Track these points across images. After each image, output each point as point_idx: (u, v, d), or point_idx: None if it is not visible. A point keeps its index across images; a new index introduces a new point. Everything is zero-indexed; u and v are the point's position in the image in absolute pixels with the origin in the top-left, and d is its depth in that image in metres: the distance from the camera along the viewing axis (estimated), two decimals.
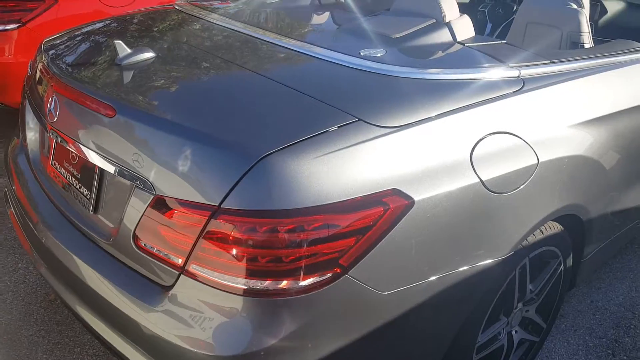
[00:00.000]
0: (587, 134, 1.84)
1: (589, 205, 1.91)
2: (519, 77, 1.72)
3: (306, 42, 1.88)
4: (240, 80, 1.63)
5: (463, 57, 1.78)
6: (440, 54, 1.81)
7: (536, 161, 1.63)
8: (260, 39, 1.93)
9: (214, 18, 2.18)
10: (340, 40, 2.00)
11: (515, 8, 3.49)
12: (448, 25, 1.87)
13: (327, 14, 2.27)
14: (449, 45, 1.84)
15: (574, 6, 2.33)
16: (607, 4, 3.36)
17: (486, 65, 1.71)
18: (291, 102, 1.49)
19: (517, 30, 2.53)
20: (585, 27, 2.31)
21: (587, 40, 2.32)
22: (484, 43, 1.89)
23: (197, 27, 2.11)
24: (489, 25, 3.59)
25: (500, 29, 3.54)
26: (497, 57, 1.77)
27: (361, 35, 1.94)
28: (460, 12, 3.79)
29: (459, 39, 1.87)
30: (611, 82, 2.01)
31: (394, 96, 1.52)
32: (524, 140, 1.62)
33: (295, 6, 2.26)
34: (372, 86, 1.59)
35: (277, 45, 1.89)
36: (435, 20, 1.90)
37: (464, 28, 1.93)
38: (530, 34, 2.48)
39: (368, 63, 1.67)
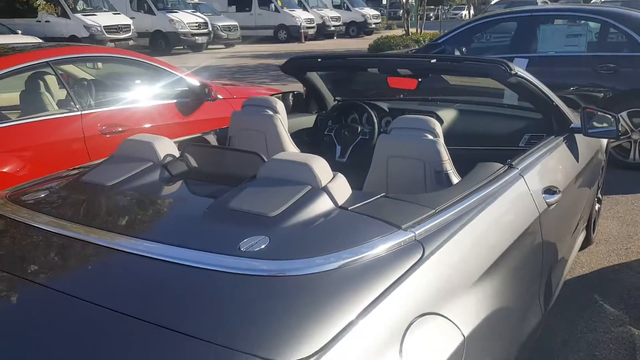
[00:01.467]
0: (493, 282, 1.74)
1: None
2: (415, 239, 1.57)
3: (163, 242, 1.51)
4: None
5: (354, 228, 1.60)
6: (329, 229, 1.60)
7: (462, 338, 1.46)
8: (96, 244, 1.55)
9: (38, 221, 1.71)
10: (210, 229, 1.64)
11: (359, 129, 3.51)
12: (326, 190, 1.70)
13: (183, 190, 1.98)
14: (332, 214, 1.64)
15: (430, 137, 2.32)
16: (441, 114, 3.51)
17: (381, 233, 1.54)
18: None
19: (379, 165, 2.46)
20: (445, 155, 2.30)
21: (450, 168, 2.31)
22: (365, 202, 1.74)
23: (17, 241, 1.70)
24: (339, 148, 3.56)
25: (350, 150, 3.52)
26: (387, 219, 1.62)
27: (232, 219, 1.63)
28: (306, 137, 3.78)
29: (340, 203, 1.70)
30: (494, 218, 1.96)
31: (299, 311, 1.26)
32: (444, 317, 1.45)
33: (140, 185, 1.88)
34: (266, 299, 1.30)
35: (117, 251, 1.51)
36: (310, 187, 1.71)
37: (341, 188, 1.76)
38: (394, 168, 2.42)
39: (254, 264, 1.38)
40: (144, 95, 4.46)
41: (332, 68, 3.36)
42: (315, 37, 26.06)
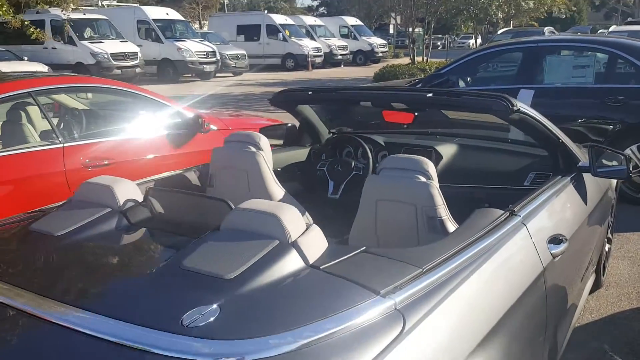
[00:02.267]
0: (489, 353, 1.52)
1: None
2: (395, 308, 1.35)
3: (98, 312, 1.28)
4: None
5: (323, 295, 1.38)
6: (293, 295, 1.39)
7: None
8: (18, 309, 1.33)
9: None
10: (155, 296, 1.40)
11: (353, 164, 3.32)
12: (295, 245, 1.49)
13: (137, 242, 1.77)
14: (301, 275, 1.43)
15: (423, 179, 2.12)
16: (440, 149, 3.31)
17: (355, 301, 1.33)
18: None
19: (367, 209, 2.26)
20: (439, 200, 2.10)
21: (444, 213, 2.10)
22: (342, 259, 1.53)
23: None
24: (331, 184, 3.36)
25: (343, 186, 3.32)
26: (363, 283, 1.41)
27: (183, 282, 1.40)
28: (298, 171, 3.59)
29: (312, 261, 1.49)
30: (492, 277, 1.74)
31: None
32: None
33: (90, 236, 1.67)
34: None
35: (42, 320, 1.29)
36: (278, 242, 1.51)
37: (315, 242, 1.56)
38: (383, 212, 2.21)
39: (194, 345, 1.13)
40: (133, 127, 4.30)
41: (323, 101, 3.18)
42: (322, 66, 26.11)
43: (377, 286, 1.39)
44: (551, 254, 2.07)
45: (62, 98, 4.77)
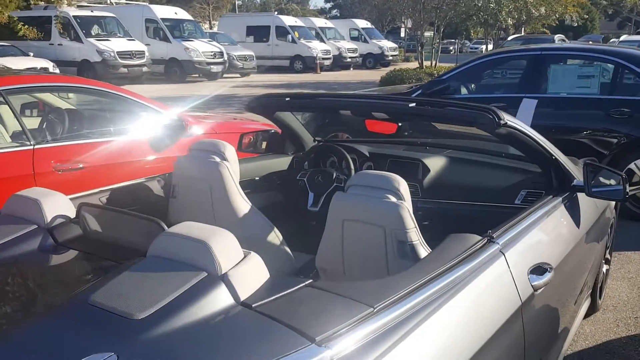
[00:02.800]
0: None
1: None
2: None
3: None
4: None
5: (248, 341, 1.18)
6: (211, 342, 1.17)
7: None
8: None
9: None
10: (54, 337, 1.19)
11: (335, 175, 3.13)
12: (225, 279, 1.30)
13: (57, 267, 1.57)
14: (227, 316, 1.23)
15: (393, 199, 1.92)
16: (427, 162, 3.11)
17: (284, 350, 1.13)
18: None
19: (333, 231, 2.07)
20: (410, 222, 1.90)
21: (415, 238, 1.91)
22: (280, 295, 1.34)
23: None
24: (311, 195, 3.17)
25: (324, 198, 3.13)
26: (298, 327, 1.21)
27: (86, 321, 1.21)
28: (278, 180, 3.41)
29: (243, 298, 1.30)
30: (459, 316, 1.55)
31: None
32: None
33: (8, 258, 1.49)
34: None
35: None
36: (206, 274, 1.32)
37: (251, 274, 1.36)
38: (349, 234, 2.02)
39: None
40: (111, 130, 4.14)
41: (301, 109, 3.00)
42: (331, 68, 25.93)
43: (313, 331, 1.19)
44: (532, 286, 1.87)
45: (48, 97, 4.62)
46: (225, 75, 21.55)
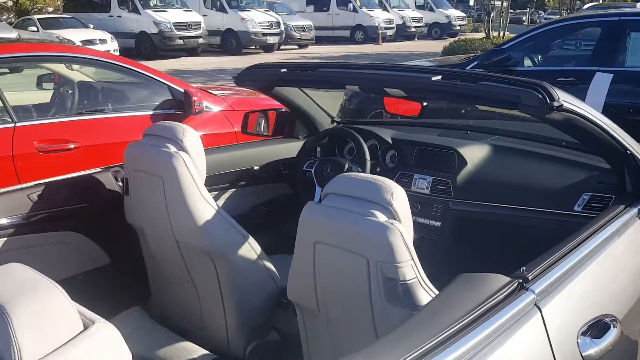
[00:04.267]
0: None
1: None
2: None
3: None
4: None
5: None
6: None
7: None
8: None
9: None
10: None
11: (346, 166, 2.55)
12: None
13: None
14: None
15: (380, 217, 1.34)
16: (464, 152, 2.47)
17: None
18: None
19: (301, 255, 1.51)
20: (405, 253, 1.32)
21: (411, 275, 1.32)
22: None
23: None
24: (318, 190, 2.61)
25: None
26: None
27: None
28: (284, 170, 2.86)
29: None
30: None
31: None
32: None
33: None
34: None
35: None
36: None
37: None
38: (323, 262, 1.46)
39: None
40: (110, 105, 3.70)
41: (298, 83, 2.42)
42: (394, 39, 24.87)
43: None
44: (583, 358, 1.25)
45: (61, 69, 4.24)
46: (282, 47, 21.03)
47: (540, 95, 1.59)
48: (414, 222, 2.52)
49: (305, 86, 2.45)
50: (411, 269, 1.33)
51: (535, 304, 1.22)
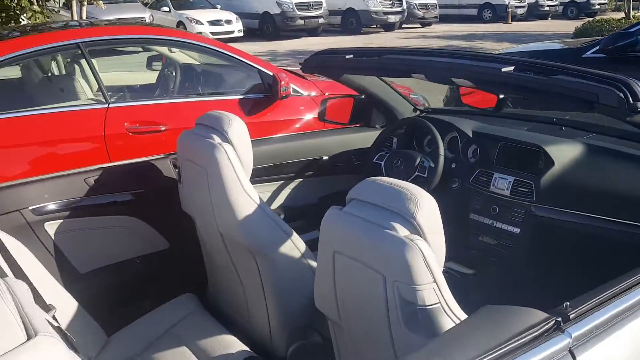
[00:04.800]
0: None
1: None
2: None
3: None
4: None
5: None
6: None
7: None
8: None
9: None
10: None
11: (418, 160, 2.38)
12: None
13: None
14: None
15: (401, 232, 1.18)
16: (552, 151, 2.19)
17: None
18: None
19: (324, 263, 1.39)
20: (425, 276, 1.16)
21: (433, 300, 1.16)
22: None
23: None
24: None
25: None
26: None
27: None
28: (356, 161, 2.72)
29: None
30: None
31: None
32: None
33: None
34: None
35: None
36: None
37: None
38: (342, 274, 1.34)
39: None
40: (203, 88, 3.77)
41: (365, 70, 2.26)
42: (525, 18, 23.33)
43: None
44: None
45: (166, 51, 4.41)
46: (404, 26, 20.54)
47: (621, 94, 1.33)
48: (491, 226, 2.31)
49: (371, 74, 2.30)
50: (433, 292, 1.17)
51: (570, 350, 1.01)
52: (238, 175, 1.77)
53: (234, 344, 1.89)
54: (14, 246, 1.65)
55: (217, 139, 1.79)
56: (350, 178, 2.80)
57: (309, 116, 3.80)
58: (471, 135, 2.42)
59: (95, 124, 3.17)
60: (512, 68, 1.67)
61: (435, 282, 1.17)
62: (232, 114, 1.88)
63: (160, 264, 2.20)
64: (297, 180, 2.64)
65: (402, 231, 1.18)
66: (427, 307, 1.17)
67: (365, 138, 2.76)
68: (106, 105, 3.25)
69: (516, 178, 2.22)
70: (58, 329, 1.57)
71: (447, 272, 2.19)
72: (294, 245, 1.84)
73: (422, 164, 2.39)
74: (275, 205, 2.56)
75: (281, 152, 2.54)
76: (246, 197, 1.78)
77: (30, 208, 1.90)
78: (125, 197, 2.09)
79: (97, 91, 3.41)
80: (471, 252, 2.36)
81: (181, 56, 4.41)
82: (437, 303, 1.17)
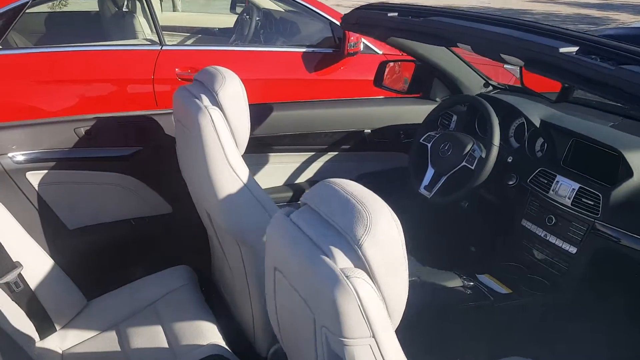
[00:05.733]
0: None
1: None
2: None
3: None
4: None
5: None
6: None
7: None
8: None
9: None
10: None
11: (469, 148, 2.00)
12: None
13: None
14: None
15: (338, 264, 0.87)
16: (633, 158, 1.73)
17: None
18: None
19: (268, 275, 1.10)
20: (363, 328, 0.85)
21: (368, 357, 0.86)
22: None
23: None
24: (430, 172, 2.10)
25: (443, 181, 2.05)
26: None
27: None
28: (404, 138, 2.37)
29: None
30: None
31: None
32: None
33: None
34: None
35: None
36: None
37: None
38: (280, 294, 1.05)
39: None
40: (267, 37, 3.52)
41: (406, 34, 1.86)
42: None
43: None
44: None
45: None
46: None
47: None
48: (543, 239, 1.89)
49: (412, 38, 1.90)
50: (369, 351, 0.85)
51: None
52: (223, 145, 1.50)
53: (209, 333, 1.68)
54: None
55: (205, 101, 1.53)
56: (395, 156, 2.46)
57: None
58: (538, 125, 1.98)
59: (145, 66, 3.02)
60: (575, 49, 1.25)
61: (373, 337, 0.85)
62: (230, 71, 1.60)
63: (159, 229, 2.02)
64: (333, 153, 2.34)
65: (341, 262, 0.87)
66: None
67: (421, 112, 2.38)
68: (159, 48, 3.09)
69: (582, 186, 1.78)
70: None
71: (475, 289, 1.83)
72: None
73: (472, 152, 1.99)
74: (300, 178, 2.29)
75: (314, 119, 2.24)
76: (230, 172, 1.51)
77: (9, 155, 1.76)
78: (121, 152, 1.90)
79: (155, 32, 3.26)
80: (512, 266, 1.97)
81: (264, 1, 4.16)
82: None
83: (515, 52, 1.38)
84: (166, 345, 1.68)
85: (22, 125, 1.81)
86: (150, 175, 1.96)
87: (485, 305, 1.73)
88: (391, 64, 2.56)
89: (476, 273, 1.90)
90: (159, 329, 1.73)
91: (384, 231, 0.87)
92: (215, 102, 1.53)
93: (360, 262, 0.86)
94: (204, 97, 1.54)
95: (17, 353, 1.56)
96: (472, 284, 1.80)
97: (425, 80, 2.46)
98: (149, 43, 3.18)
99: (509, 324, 1.74)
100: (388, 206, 0.90)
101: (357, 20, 1.92)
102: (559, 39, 1.31)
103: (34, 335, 1.70)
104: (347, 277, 0.84)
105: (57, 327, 1.76)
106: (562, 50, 1.25)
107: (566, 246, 1.81)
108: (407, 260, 0.90)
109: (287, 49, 3.37)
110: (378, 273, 0.87)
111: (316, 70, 3.34)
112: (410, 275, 1.51)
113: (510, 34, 1.42)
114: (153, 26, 3.17)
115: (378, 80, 2.57)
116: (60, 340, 1.75)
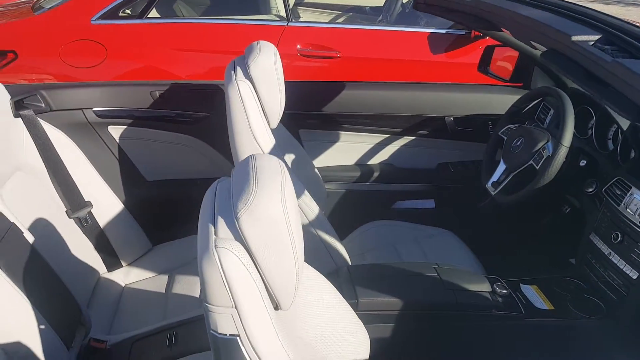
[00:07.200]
0: None
1: None
2: None
3: None
4: None
5: None
6: None
7: None
8: None
9: None
10: None
11: (540, 145, 1.83)
12: None
13: None
14: None
15: (217, 234, 0.90)
16: None
17: None
18: None
19: None
20: (219, 297, 0.89)
21: (230, 328, 0.90)
22: None
23: None
24: (501, 166, 1.96)
25: (511, 177, 1.91)
26: None
27: None
28: (492, 128, 2.21)
29: None
30: None
31: None
32: None
33: None
34: None
35: None
36: None
37: None
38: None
39: None
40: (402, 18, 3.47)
41: (459, 17, 1.72)
42: None
43: None
44: None
45: None
46: None
47: None
48: (605, 257, 1.65)
49: (461, 22, 1.76)
50: (231, 321, 0.88)
51: None
52: (249, 117, 1.57)
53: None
54: (63, 143, 1.78)
55: (239, 73, 1.61)
56: (479, 147, 2.32)
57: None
58: (625, 127, 1.72)
59: (269, 41, 3.19)
60: (597, 37, 1.09)
61: (235, 307, 0.87)
62: (269, 44, 1.66)
63: None
64: (410, 138, 2.28)
65: (221, 231, 0.90)
66: (223, 337, 0.89)
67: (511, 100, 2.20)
68: (285, 24, 3.23)
69: None
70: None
71: (508, 298, 1.68)
72: (304, 215, 1.58)
73: (542, 150, 1.81)
74: (373, 160, 2.27)
75: (390, 101, 2.20)
76: (253, 143, 1.58)
77: (94, 109, 2.03)
78: (191, 116, 2.07)
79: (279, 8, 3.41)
80: (572, 282, 1.75)
81: None
82: (235, 335, 0.88)
83: (540, 40, 1.23)
84: (198, 295, 1.84)
85: (106, 84, 2.07)
86: (217, 140, 2.11)
87: (513, 316, 1.57)
88: (499, 49, 2.40)
89: (521, 283, 1.73)
90: (196, 282, 1.89)
91: (264, 209, 0.88)
92: (247, 75, 1.60)
93: (235, 233, 0.89)
94: (238, 69, 1.63)
95: (80, 283, 1.83)
96: (505, 292, 1.65)
97: (527, 68, 2.26)
98: (277, 19, 3.34)
99: (531, 341, 1.57)
100: (286, 187, 0.91)
101: (426, 0, 1.84)
102: (586, 23, 1.14)
103: (102, 267, 1.97)
104: (215, 246, 0.87)
105: (124, 264, 2.01)
106: (574, 39, 1.09)
107: (627, 269, 1.57)
108: (295, 242, 0.90)
109: (422, 30, 3.29)
110: (255, 249, 0.88)
111: (448, 52, 3.21)
112: (429, 271, 1.46)
113: (538, 18, 1.26)
114: (282, 3, 3.32)
115: (483, 65, 2.42)
116: (124, 275, 2.00)
